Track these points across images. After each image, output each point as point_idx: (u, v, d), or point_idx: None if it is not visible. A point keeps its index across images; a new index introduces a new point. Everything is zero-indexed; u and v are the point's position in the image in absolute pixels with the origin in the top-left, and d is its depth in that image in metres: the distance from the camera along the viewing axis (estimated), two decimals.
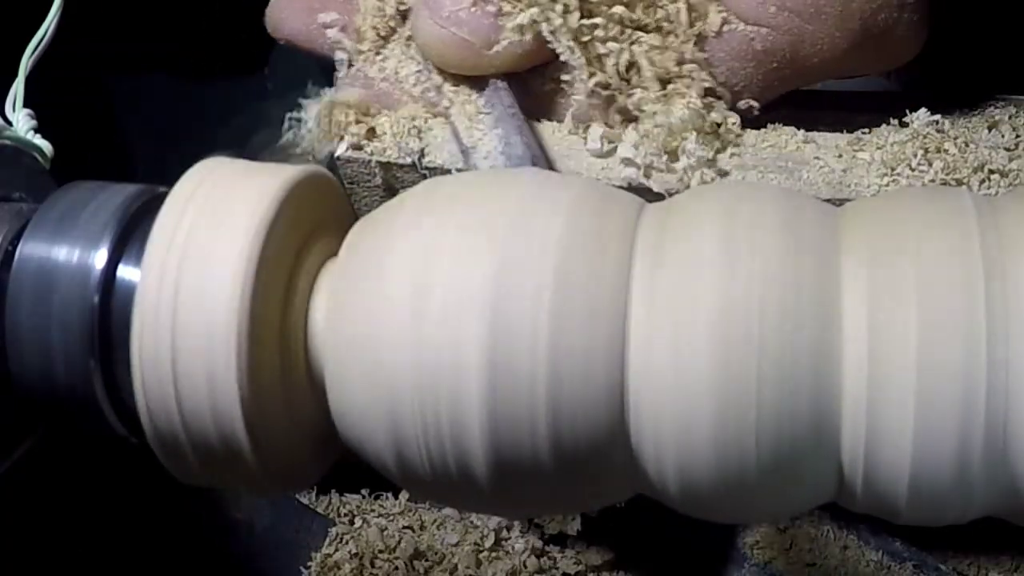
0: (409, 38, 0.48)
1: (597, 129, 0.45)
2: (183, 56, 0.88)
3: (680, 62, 0.45)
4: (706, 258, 0.33)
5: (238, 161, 0.38)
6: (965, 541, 0.62)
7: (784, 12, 0.44)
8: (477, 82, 0.47)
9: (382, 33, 0.49)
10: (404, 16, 0.49)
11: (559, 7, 0.44)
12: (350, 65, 0.50)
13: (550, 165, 0.45)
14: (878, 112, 0.47)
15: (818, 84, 0.50)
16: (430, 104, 0.47)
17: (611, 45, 0.45)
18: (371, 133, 0.48)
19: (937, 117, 0.46)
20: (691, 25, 0.45)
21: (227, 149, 0.39)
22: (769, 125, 0.47)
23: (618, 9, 0.45)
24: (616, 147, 0.45)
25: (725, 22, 0.45)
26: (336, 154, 0.48)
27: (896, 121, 0.47)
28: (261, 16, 0.52)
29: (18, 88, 0.45)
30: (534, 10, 0.44)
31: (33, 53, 0.45)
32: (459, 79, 0.47)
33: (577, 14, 0.44)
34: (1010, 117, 0.47)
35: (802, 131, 0.47)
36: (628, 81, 0.45)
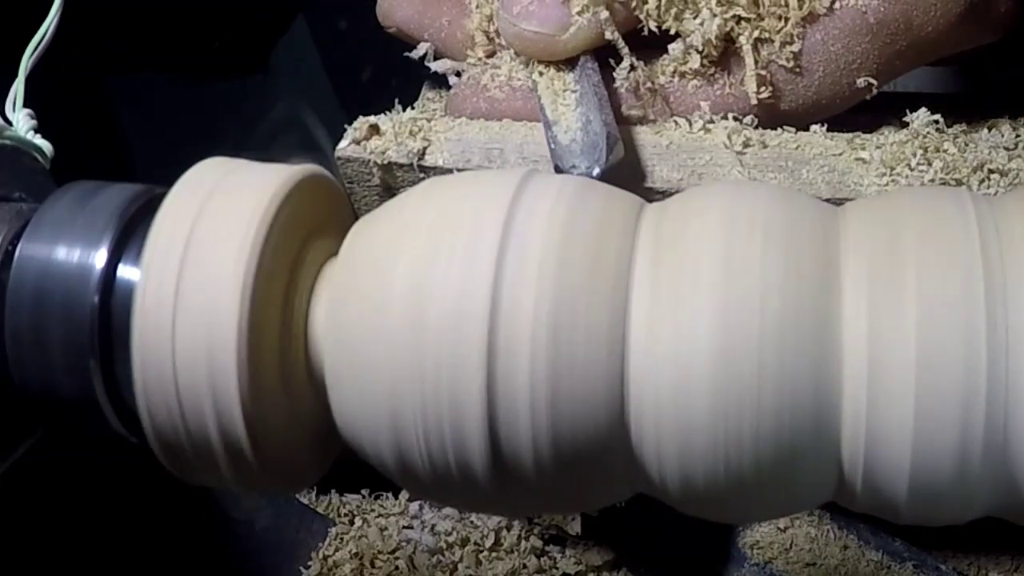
0: None
1: None
2: (183, 56, 0.88)
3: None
4: (706, 258, 0.33)
5: (237, 161, 0.38)
6: (965, 541, 0.62)
7: None
8: (568, 60, 0.47)
9: (492, 38, 0.50)
10: None
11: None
12: (458, 74, 0.50)
13: (622, 145, 0.45)
14: (878, 112, 0.48)
15: None
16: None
17: (704, 13, 0.45)
18: (372, 131, 0.48)
19: (937, 117, 0.46)
20: (800, 6, 0.44)
21: (227, 149, 0.39)
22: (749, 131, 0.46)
23: None
24: None
25: None
26: (336, 153, 0.48)
27: (896, 121, 0.47)
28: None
29: (18, 88, 0.45)
30: None
31: (33, 53, 0.45)
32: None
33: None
34: (1010, 117, 0.47)
35: (802, 131, 0.46)
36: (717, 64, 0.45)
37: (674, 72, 0.46)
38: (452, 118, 0.49)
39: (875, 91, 0.46)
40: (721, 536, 0.63)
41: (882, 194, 0.43)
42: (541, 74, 0.47)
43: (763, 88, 0.45)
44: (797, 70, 0.45)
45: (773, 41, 0.45)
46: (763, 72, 0.45)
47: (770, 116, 0.46)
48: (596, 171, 0.43)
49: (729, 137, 0.45)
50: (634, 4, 0.45)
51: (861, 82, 0.45)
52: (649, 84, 0.46)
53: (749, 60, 0.45)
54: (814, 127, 0.46)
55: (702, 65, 0.45)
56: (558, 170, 0.44)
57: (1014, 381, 0.31)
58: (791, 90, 0.45)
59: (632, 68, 0.46)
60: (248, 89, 0.96)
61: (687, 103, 0.46)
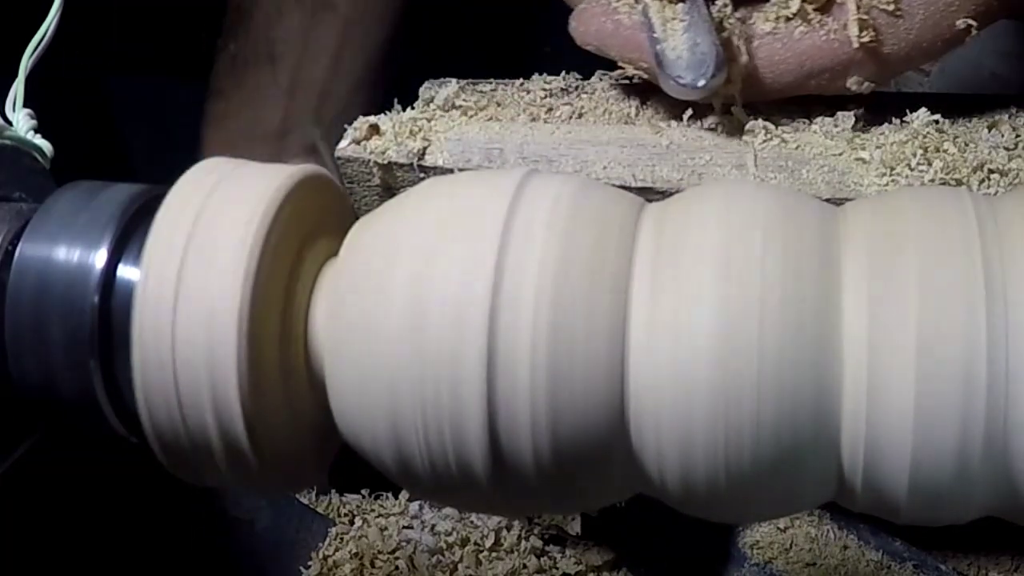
0: None
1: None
2: (183, 56, 0.88)
3: None
4: (706, 258, 0.33)
5: (237, 161, 0.38)
6: (965, 541, 0.62)
7: None
8: None
9: None
10: None
11: None
12: None
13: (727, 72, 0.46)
14: (878, 112, 0.48)
15: None
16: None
17: None
18: (372, 131, 0.48)
19: (937, 117, 0.46)
20: None
21: None
22: (769, 124, 0.47)
23: None
24: None
25: None
26: (336, 153, 0.49)
27: (896, 121, 0.47)
28: None
29: (18, 88, 0.45)
30: None
31: (33, 53, 0.45)
32: None
33: None
34: (1010, 117, 0.47)
35: (802, 130, 0.47)
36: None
37: (778, 18, 0.47)
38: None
39: (975, 32, 0.46)
40: (721, 536, 0.63)
41: (882, 194, 0.43)
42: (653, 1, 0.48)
43: (865, 32, 0.45)
44: (898, 13, 0.45)
45: None
46: (865, 16, 0.45)
47: (874, 61, 0.46)
48: (701, 83, 0.45)
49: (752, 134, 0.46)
50: None
51: (960, 23, 0.45)
52: (740, 24, 0.47)
53: (852, 5, 0.45)
54: (814, 127, 0.46)
55: (803, 11, 0.46)
56: (663, 80, 0.45)
57: (1014, 382, 0.31)
58: (892, 33, 0.46)
59: (725, 5, 0.47)
60: None
61: (794, 48, 0.47)
